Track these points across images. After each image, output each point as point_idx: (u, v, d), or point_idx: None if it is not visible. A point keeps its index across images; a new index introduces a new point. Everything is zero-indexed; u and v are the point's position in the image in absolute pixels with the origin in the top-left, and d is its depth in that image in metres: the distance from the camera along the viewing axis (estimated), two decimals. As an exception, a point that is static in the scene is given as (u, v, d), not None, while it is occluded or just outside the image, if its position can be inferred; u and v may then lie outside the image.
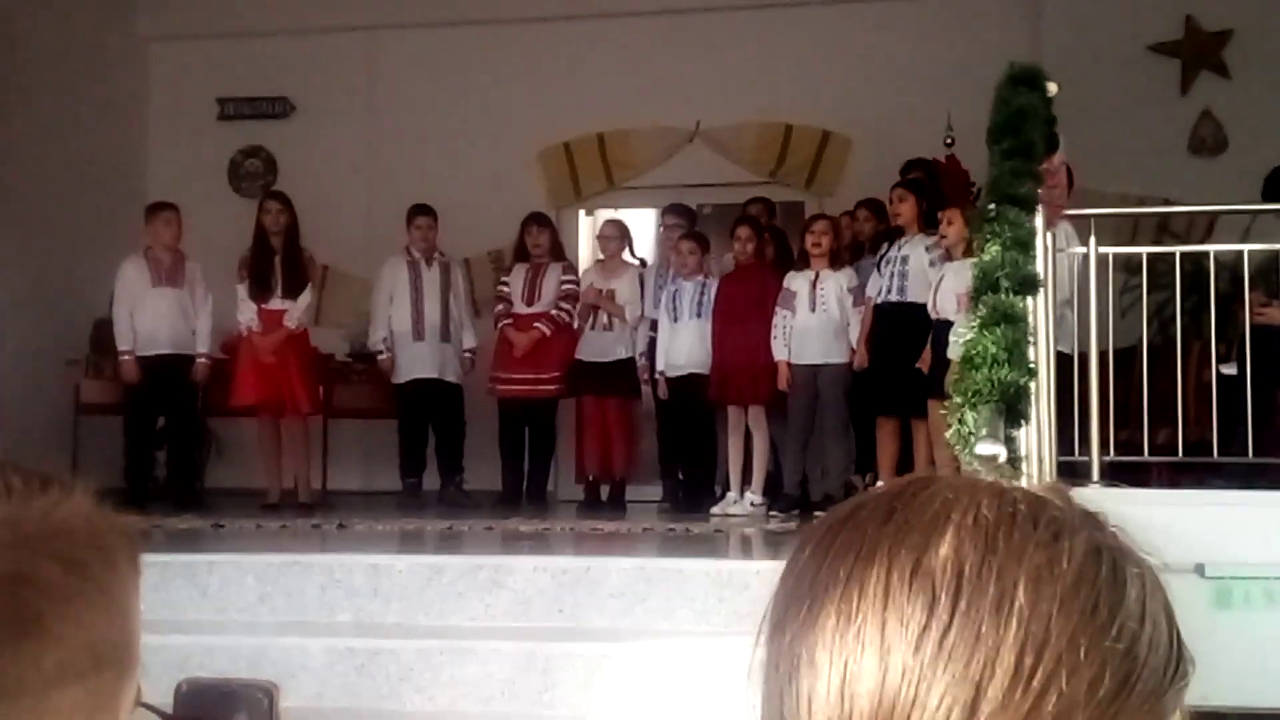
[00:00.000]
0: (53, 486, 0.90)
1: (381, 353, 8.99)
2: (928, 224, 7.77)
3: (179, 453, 8.87)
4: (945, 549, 0.77)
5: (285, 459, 8.66)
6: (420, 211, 9.06)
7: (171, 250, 8.66)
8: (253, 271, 8.59)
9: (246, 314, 8.55)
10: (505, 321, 8.96)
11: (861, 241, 8.64)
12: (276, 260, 8.62)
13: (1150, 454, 6.24)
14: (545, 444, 9.08)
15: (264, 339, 8.47)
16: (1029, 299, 4.55)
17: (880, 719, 0.75)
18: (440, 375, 8.90)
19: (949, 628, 0.74)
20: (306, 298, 8.69)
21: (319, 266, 9.09)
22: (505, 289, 9.07)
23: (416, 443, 9.03)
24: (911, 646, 0.75)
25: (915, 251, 7.75)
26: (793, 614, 0.81)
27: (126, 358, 8.54)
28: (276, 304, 8.55)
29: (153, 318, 8.54)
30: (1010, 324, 4.12)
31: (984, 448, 3.61)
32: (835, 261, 8.12)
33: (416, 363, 8.92)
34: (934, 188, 8.41)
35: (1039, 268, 4.93)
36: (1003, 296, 4.23)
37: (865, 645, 0.76)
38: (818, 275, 8.02)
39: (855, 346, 7.93)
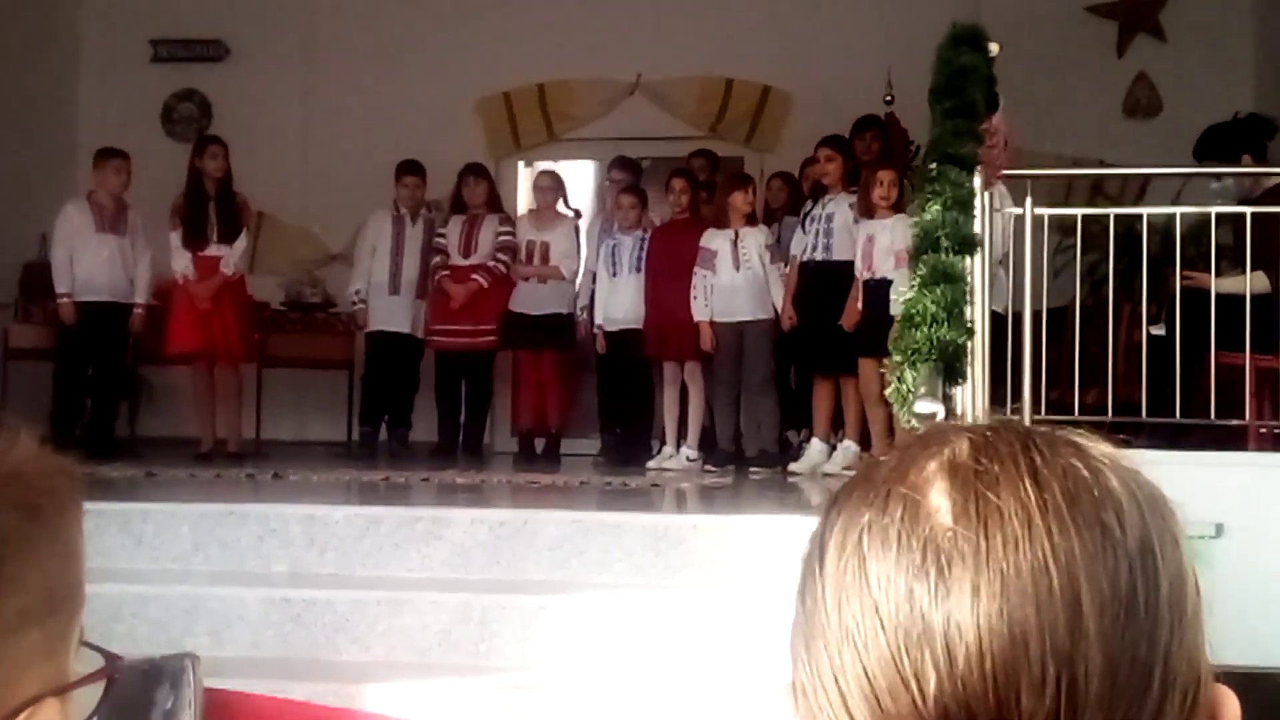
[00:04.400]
0: (0, 432, 0.91)
1: (356, 303, 9.05)
2: (851, 182, 7.83)
3: (101, 401, 8.74)
4: None
5: (218, 408, 8.60)
6: (409, 170, 9.10)
7: (116, 198, 8.52)
8: (187, 218, 8.47)
9: (181, 262, 8.44)
10: (442, 273, 8.93)
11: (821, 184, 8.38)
12: (210, 206, 8.51)
13: (1080, 413, 6.32)
14: (481, 396, 9.09)
15: (200, 286, 8.38)
16: (968, 258, 4.60)
17: None
18: (412, 331, 8.97)
19: None
20: (242, 243, 8.59)
21: (253, 212, 8.96)
22: (442, 241, 9.04)
23: (379, 393, 9.10)
24: None
25: (840, 209, 7.80)
26: None
27: (64, 300, 8.41)
28: (212, 250, 8.44)
29: (93, 264, 8.41)
30: (950, 283, 4.17)
31: (922, 405, 3.66)
32: (752, 220, 8.15)
33: (388, 316, 8.98)
34: (886, 146, 8.47)
35: (977, 228, 4.98)
36: (943, 256, 4.28)
37: None
38: (737, 234, 8.03)
39: (780, 305, 7.96)
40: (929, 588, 0.73)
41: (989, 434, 0.79)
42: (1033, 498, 0.74)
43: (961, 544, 0.74)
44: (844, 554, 0.77)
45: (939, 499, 0.76)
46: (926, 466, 0.78)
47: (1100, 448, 0.79)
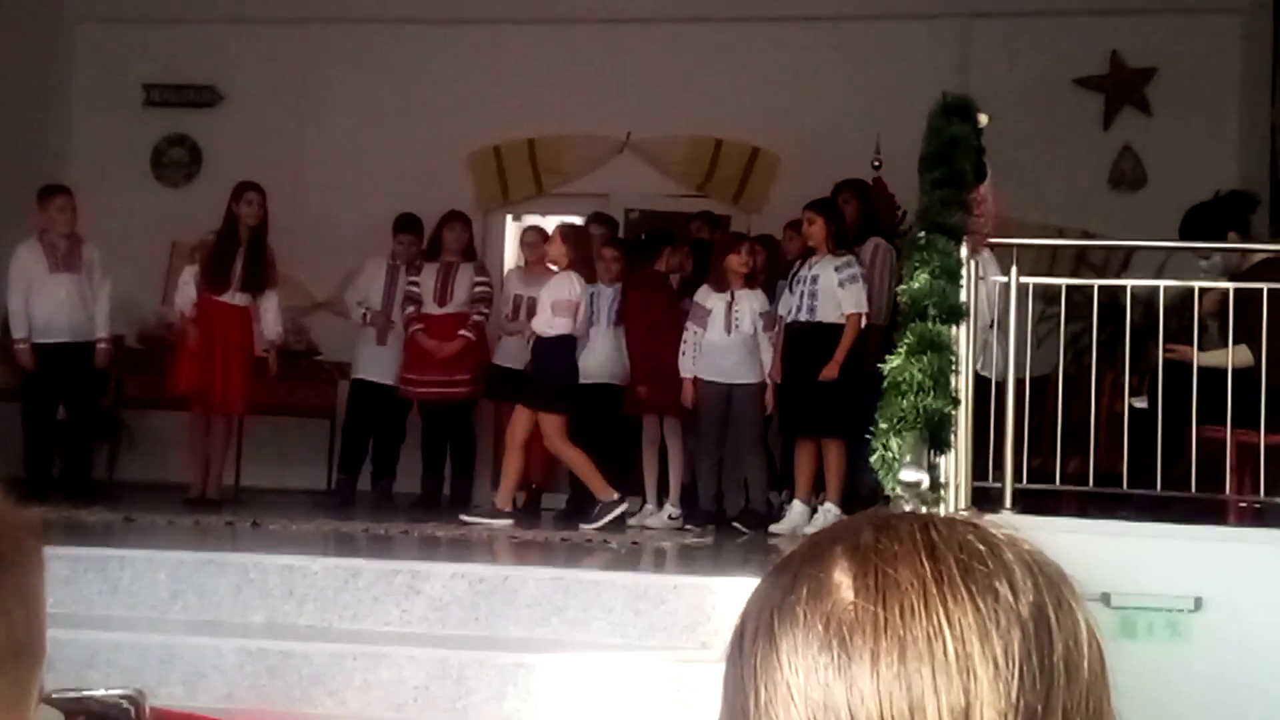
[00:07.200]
0: None
1: (366, 314, 9.08)
2: (839, 245, 7.87)
3: (77, 443, 8.63)
4: None
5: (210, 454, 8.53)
6: (405, 229, 9.17)
7: (68, 235, 8.42)
8: (213, 260, 8.40)
9: (184, 297, 8.39)
10: (416, 327, 8.90)
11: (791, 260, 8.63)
12: (239, 253, 8.45)
13: (1061, 482, 6.34)
14: (465, 448, 9.05)
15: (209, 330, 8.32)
16: (954, 327, 4.62)
17: None
18: (395, 383, 8.97)
19: None
20: (274, 302, 8.56)
21: (278, 270, 8.81)
22: (415, 289, 9.01)
23: (359, 441, 9.12)
24: None
25: (825, 272, 7.83)
26: None
27: (22, 346, 8.29)
28: (229, 297, 8.39)
29: (51, 304, 8.29)
30: (936, 352, 4.19)
31: (907, 474, 3.66)
32: (751, 282, 8.17)
33: (375, 366, 9.01)
34: (868, 208, 8.52)
35: (964, 296, 5.01)
36: (930, 325, 4.30)
37: None
38: (733, 296, 8.05)
39: (769, 371, 7.97)
40: (833, 659, 0.78)
41: (892, 519, 0.85)
42: (928, 570, 0.80)
43: (862, 616, 0.78)
44: (758, 635, 0.82)
45: (841, 576, 0.81)
46: (831, 549, 0.83)
47: (1000, 528, 0.85)
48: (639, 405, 8.27)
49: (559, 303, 7.89)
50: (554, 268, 8.17)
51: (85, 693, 1.24)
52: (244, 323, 8.47)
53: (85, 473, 8.69)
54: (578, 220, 10.38)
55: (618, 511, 7.66)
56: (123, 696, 1.25)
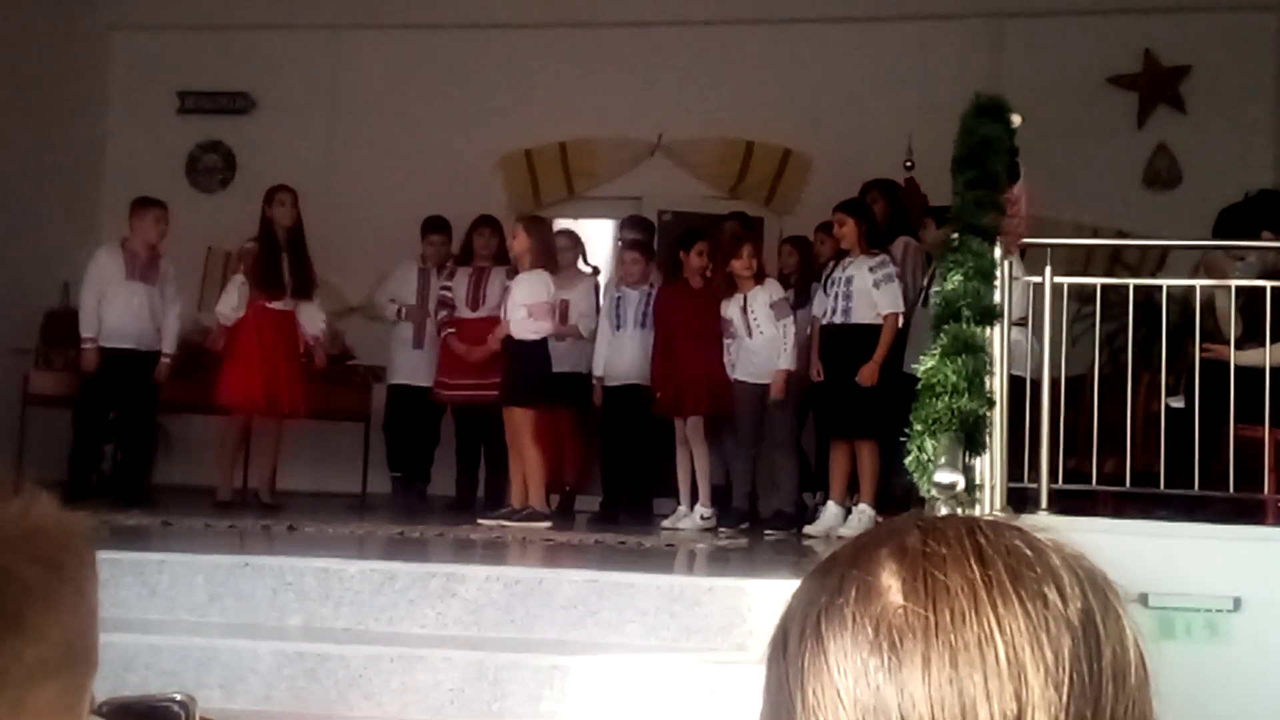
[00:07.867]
0: (23, 489, 0.93)
1: (400, 309, 9.18)
2: (871, 245, 7.85)
3: (131, 449, 8.71)
4: None
5: (257, 458, 8.58)
6: (434, 229, 9.24)
7: (150, 246, 8.50)
8: (262, 268, 8.43)
9: (229, 304, 8.44)
10: (449, 331, 8.93)
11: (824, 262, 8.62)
12: (283, 257, 8.49)
13: (1098, 483, 6.31)
14: (499, 451, 9.05)
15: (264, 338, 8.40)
16: (988, 328, 4.61)
17: None
18: (430, 385, 9.01)
19: None
20: (317, 305, 8.64)
21: (316, 272, 8.88)
22: (448, 294, 9.04)
23: (401, 441, 9.20)
24: None
25: (859, 272, 7.82)
26: None
27: (89, 345, 8.36)
28: (281, 305, 8.45)
29: (122, 311, 8.38)
30: (971, 353, 4.17)
31: (942, 475, 3.65)
32: (759, 278, 8.14)
33: (411, 369, 9.09)
34: (896, 207, 8.50)
35: (997, 298, 4.99)
36: (964, 326, 4.29)
37: None
38: (746, 299, 8.05)
39: (792, 362, 7.96)
40: (883, 662, 0.78)
41: (938, 523, 0.85)
42: (978, 574, 0.80)
43: (912, 620, 0.78)
44: (804, 637, 0.82)
45: (889, 579, 0.81)
46: (878, 552, 0.83)
47: (1044, 533, 0.85)
48: (661, 408, 8.27)
49: (536, 306, 8.03)
50: (521, 264, 8.23)
51: (137, 696, 1.25)
52: (293, 326, 8.58)
53: (139, 478, 8.73)
54: (610, 223, 10.44)
55: (541, 525, 7.74)
56: (174, 701, 1.26)
